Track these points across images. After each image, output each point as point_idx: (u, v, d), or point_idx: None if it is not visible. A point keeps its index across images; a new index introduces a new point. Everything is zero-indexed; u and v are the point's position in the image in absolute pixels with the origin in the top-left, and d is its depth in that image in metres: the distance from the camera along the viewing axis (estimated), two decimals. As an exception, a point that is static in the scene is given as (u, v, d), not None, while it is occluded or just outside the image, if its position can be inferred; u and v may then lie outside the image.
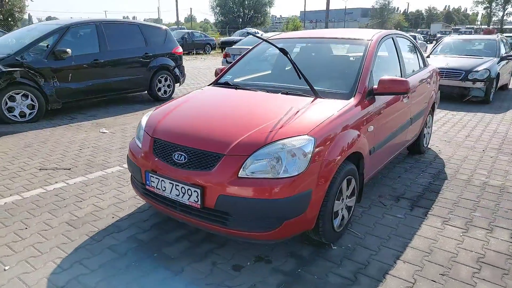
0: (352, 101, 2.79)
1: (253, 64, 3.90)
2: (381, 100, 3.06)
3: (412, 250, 2.60)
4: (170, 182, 2.37)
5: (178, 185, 2.33)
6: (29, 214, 3.02)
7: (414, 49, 4.40)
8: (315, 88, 2.86)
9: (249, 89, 3.17)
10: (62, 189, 3.52)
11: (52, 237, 2.69)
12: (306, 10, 71.52)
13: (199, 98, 3.18)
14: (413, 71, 4.05)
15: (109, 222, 2.91)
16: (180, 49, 8.53)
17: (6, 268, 2.33)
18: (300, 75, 2.82)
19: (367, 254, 2.56)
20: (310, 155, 2.25)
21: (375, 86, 2.95)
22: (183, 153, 2.37)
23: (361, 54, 3.21)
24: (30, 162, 4.26)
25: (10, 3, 26.73)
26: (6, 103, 5.89)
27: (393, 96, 3.19)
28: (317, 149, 2.30)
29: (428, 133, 4.72)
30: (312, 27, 64.81)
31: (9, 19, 26.87)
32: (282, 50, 2.80)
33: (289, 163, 2.21)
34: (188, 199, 2.30)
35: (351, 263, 2.46)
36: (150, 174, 2.48)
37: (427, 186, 3.68)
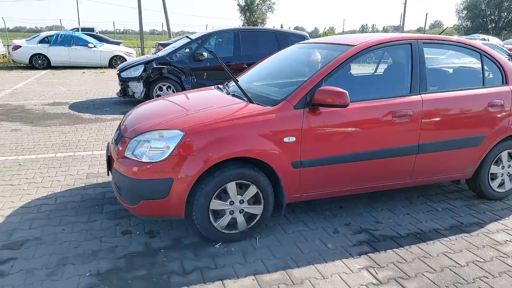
0: (270, 109, 2.71)
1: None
2: (344, 114, 2.79)
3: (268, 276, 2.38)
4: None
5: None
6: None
7: (472, 61, 3.45)
8: (271, 94, 2.95)
9: (213, 89, 3.46)
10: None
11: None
12: None
13: (168, 98, 3.54)
14: (452, 87, 3.22)
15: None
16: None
17: None
18: (234, 80, 2.94)
19: (232, 260, 2.52)
20: (173, 147, 2.47)
21: (316, 97, 2.72)
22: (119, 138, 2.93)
23: (328, 61, 2.95)
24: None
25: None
26: (156, 92, 7.79)
27: (370, 111, 2.83)
28: (184, 144, 2.48)
29: (509, 174, 3.56)
30: None
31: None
32: (211, 53, 2.99)
33: (152, 149, 2.51)
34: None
35: (209, 260, 2.50)
36: None
37: (419, 234, 2.97)
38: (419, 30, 56.48)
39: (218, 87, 3.59)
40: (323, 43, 3.54)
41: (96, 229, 2.86)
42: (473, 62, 3.45)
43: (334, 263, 2.52)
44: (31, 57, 14.79)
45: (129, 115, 3.21)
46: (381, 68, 3.57)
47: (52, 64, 15.07)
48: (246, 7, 62.84)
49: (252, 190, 2.68)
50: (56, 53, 15.01)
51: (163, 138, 2.53)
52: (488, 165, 3.41)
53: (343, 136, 2.82)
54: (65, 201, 3.32)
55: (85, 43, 15.40)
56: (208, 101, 3.12)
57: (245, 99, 2.94)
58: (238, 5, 62.88)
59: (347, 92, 2.61)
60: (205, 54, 7.76)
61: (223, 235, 2.70)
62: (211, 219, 2.63)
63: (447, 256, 2.62)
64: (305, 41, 4.05)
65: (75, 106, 7.75)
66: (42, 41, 15.01)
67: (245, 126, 2.60)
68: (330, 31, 26.36)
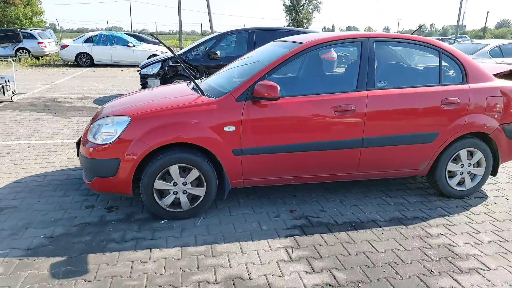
0: (213, 100, 2.99)
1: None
2: (284, 107, 3.00)
3: (191, 256, 2.66)
4: None
5: None
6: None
7: (430, 59, 3.49)
8: (225, 88, 3.19)
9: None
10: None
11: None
12: None
13: (144, 90, 3.95)
14: (404, 84, 3.29)
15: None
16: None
17: None
18: (189, 75, 3.26)
19: (169, 234, 2.83)
20: (121, 131, 2.84)
21: (255, 90, 2.95)
22: None
23: (275, 57, 3.17)
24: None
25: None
26: (172, 88, 8.29)
27: (311, 106, 3.02)
28: (131, 129, 2.84)
29: (469, 173, 3.55)
30: None
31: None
32: (169, 48, 3.32)
33: (103, 133, 2.89)
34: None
35: (149, 233, 2.83)
36: None
37: (356, 223, 3.11)
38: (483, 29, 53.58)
39: (190, 82, 3.92)
40: (288, 41, 3.74)
41: (67, 202, 3.30)
42: (432, 60, 3.49)
43: (259, 242, 2.75)
44: (76, 55, 16.09)
45: (104, 106, 3.63)
46: (333, 65, 3.71)
47: (95, 62, 16.27)
48: (292, 7, 62.80)
49: (194, 173, 2.97)
50: (98, 52, 16.19)
51: (113, 123, 2.90)
52: (445, 163, 3.44)
53: (283, 128, 3.02)
54: (51, 179, 3.81)
55: (125, 43, 16.44)
56: (170, 93, 3.45)
57: (199, 92, 3.24)
58: (284, 5, 62.99)
59: (278, 86, 2.83)
60: (218, 52, 8.12)
61: (168, 213, 3.02)
62: (156, 198, 2.96)
63: (370, 243, 2.76)
64: (282, 39, 4.25)
65: (100, 100, 8.45)
66: (87, 40, 16.26)
67: (187, 115, 2.90)
68: (371, 31, 25.76)
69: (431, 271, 2.44)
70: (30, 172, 3.99)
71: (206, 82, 3.63)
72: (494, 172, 3.65)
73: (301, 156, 3.11)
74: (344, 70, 3.58)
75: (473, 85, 3.37)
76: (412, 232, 2.93)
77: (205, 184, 3.01)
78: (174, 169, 2.92)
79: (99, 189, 2.98)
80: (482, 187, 3.83)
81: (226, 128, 2.94)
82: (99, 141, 2.90)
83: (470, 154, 3.50)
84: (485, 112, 3.38)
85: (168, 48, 3.60)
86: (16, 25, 35.38)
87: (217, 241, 2.75)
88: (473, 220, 3.15)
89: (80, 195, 3.45)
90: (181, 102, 3.02)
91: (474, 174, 3.57)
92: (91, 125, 3.04)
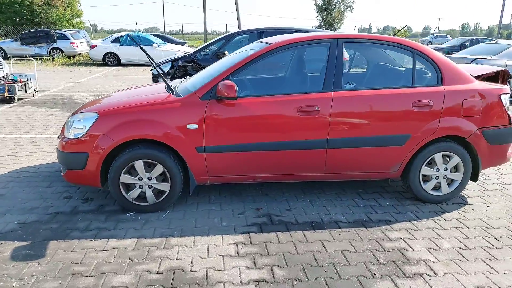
0: (178, 99, 3.11)
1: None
2: (247, 106, 3.07)
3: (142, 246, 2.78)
4: None
5: None
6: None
7: (404, 60, 3.44)
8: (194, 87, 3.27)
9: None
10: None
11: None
12: None
13: (123, 89, 4.12)
14: (373, 86, 3.27)
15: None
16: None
17: None
18: (160, 75, 3.40)
19: (131, 226, 2.97)
20: (89, 127, 3.01)
21: (218, 89, 3.03)
22: None
23: (242, 57, 3.24)
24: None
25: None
26: (182, 87, 8.52)
27: (273, 106, 3.08)
28: (97, 125, 3.01)
29: (446, 177, 3.46)
30: None
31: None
32: (141, 47, 3.47)
33: (74, 128, 3.08)
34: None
35: (112, 224, 2.98)
36: None
37: (317, 223, 3.12)
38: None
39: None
40: (261, 42, 3.78)
41: (48, 192, 3.53)
42: (405, 61, 3.43)
43: (213, 237, 2.84)
44: (104, 55, 16.77)
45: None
46: (301, 66, 3.71)
47: (121, 61, 16.89)
48: (324, 7, 62.12)
49: (159, 169, 3.10)
50: (125, 52, 16.79)
51: (83, 119, 3.08)
52: (419, 166, 3.37)
53: (246, 127, 3.09)
54: (43, 171, 4.07)
55: (150, 43, 16.92)
56: (144, 92, 3.59)
57: (170, 91, 3.36)
58: (315, 4, 62.38)
59: (236, 86, 2.91)
60: (226, 52, 8.25)
61: (135, 206, 3.16)
62: (123, 191, 3.11)
63: (322, 243, 2.77)
64: (263, 39, 4.31)
65: (114, 98, 8.81)
66: (114, 41, 16.92)
67: (152, 112, 3.03)
68: (405, 31, 25.01)
69: (374, 273, 2.43)
70: (26, 163, 4.28)
71: (184, 82, 3.75)
72: (474, 178, 3.54)
73: (264, 155, 3.16)
74: (306, 71, 3.59)
75: (448, 87, 3.28)
76: (370, 235, 2.91)
77: (169, 179, 3.13)
78: (139, 164, 3.06)
79: (72, 180, 3.17)
80: (465, 193, 3.72)
81: (189, 126, 3.04)
82: (71, 136, 3.09)
83: (447, 158, 3.41)
84: (461, 116, 3.28)
85: (147, 54, 3.74)
86: (57, 26, 37.36)
87: (173, 234, 2.86)
88: (441, 226, 3.08)
89: (63, 187, 3.67)
90: (148, 101, 3.15)
91: (452, 179, 3.47)
92: (67, 121, 3.24)
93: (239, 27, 26.89)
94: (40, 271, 2.37)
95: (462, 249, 2.75)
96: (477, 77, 3.55)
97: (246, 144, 3.12)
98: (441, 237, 2.91)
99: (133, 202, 3.15)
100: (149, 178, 3.11)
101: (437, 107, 3.24)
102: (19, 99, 8.08)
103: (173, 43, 19.36)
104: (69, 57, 18.71)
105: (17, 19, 38.54)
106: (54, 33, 18.57)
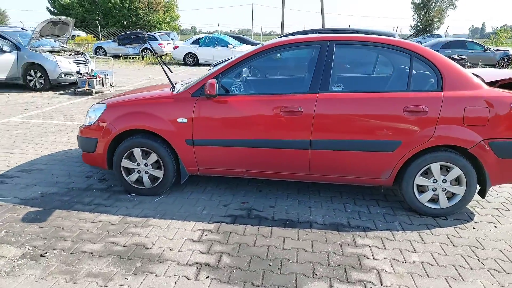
0: (172, 94, 3.42)
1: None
2: (233, 104, 3.26)
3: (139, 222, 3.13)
4: None
5: None
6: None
7: (400, 63, 3.27)
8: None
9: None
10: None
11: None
12: None
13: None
14: (367, 88, 3.20)
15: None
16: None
17: None
18: (165, 73, 3.75)
19: (125, 205, 3.37)
20: (98, 116, 3.50)
21: (205, 87, 3.27)
22: None
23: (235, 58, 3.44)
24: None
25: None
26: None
27: (257, 105, 3.23)
28: (105, 115, 3.47)
29: (445, 190, 3.23)
30: None
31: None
32: (153, 50, 3.82)
33: (90, 117, 3.59)
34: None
35: (111, 202, 3.42)
36: None
37: (291, 221, 3.18)
38: None
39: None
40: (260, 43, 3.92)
41: (76, 171, 4.14)
42: (402, 64, 3.27)
43: (188, 222, 3.09)
44: (184, 55, 18.13)
45: None
46: (292, 67, 3.72)
47: (199, 61, 18.08)
48: (421, 5, 58.06)
49: (153, 157, 3.45)
50: (203, 52, 17.95)
51: (96, 109, 3.57)
52: (412, 175, 3.20)
53: (231, 123, 3.28)
54: (69, 156, 4.71)
55: (226, 44, 17.85)
56: (153, 88, 4.00)
57: (172, 88, 3.69)
58: (412, 3, 58.62)
59: (216, 84, 3.12)
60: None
61: (134, 188, 3.57)
62: (124, 174, 3.54)
63: (283, 240, 2.84)
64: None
65: (176, 95, 9.58)
66: (194, 42, 18.18)
67: (148, 106, 3.40)
68: (504, 30, 22.18)
69: (316, 274, 2.44)
70: (74, 146, 5.01)
71: (190, 80, 4.07)
72: (482, 193, 3.23)
73: (249, 151, 3.31)
74: (294, 72, 3.61)
75: (448, 93, 3.06)
76: (338, 238, 2.88)
77: (163, 167, 3.46)
78: (137, 152, 3.45)
79: (86, 161, 3.70)
80: (479, 210, 3.42)
81: (179, 120, 3.33)
82: (87, 123, 3.61)
83: (447, 170, 3.18)
84: (462, 124, 3.04)
85: (153, 50, 4.14)
86: (156, 29, 41.25)
87: (155, 216, 3.18)
88: (422, 240, 2.90)
89: (90, 167, 4.26)
90: (149, 96, 3.53)
91: (453, 193, 3.22)
92: (87, 111, 3.78)
93: (323, 25, 26.68)
94: (36, 231, 2.88)
95: (431, 264, 2.59)
96: (493, 83, 3.23)
97: (232, 139, 3.30)
98: (414, 250, 2.76)
99: (133, 185, 3.56)
100: (146, 165, 3.49)
101: (433, 114, 3.05)
102: (96, 92, 9.28)
103: (250, 44, 20.04)
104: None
105: (125, 22, 43.34)
106: (146, 35, 20.58)
